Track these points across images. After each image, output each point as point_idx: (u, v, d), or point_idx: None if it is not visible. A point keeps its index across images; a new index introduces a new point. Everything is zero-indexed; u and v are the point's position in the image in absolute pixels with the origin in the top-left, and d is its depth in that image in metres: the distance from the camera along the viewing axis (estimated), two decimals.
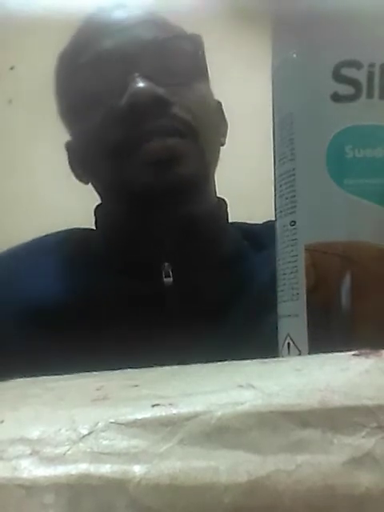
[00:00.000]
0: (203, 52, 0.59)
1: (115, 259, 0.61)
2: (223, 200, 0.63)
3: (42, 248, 0.64)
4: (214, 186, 0.62)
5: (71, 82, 0.59)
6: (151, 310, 0.57)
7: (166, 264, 0.58)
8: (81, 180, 0.63)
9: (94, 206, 0.63)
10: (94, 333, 0.55)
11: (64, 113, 0.62)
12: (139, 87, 0.54)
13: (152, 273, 0.58)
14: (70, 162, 0.63)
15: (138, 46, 0.56)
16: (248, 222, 0.68)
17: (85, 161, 0.62)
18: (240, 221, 0.67)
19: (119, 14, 0.59)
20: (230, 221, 0.65)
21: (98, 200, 0.63)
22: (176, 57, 0.57)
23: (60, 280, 0.60)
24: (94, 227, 0.64)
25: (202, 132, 0.57)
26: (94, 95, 0.56)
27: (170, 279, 0.58)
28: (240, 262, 0.61)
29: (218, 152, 0.61)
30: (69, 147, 0.63)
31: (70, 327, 0.56)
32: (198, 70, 0.59)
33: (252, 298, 0.59)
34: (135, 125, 0.55)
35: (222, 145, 0.62)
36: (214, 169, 0.60)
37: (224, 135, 0.63)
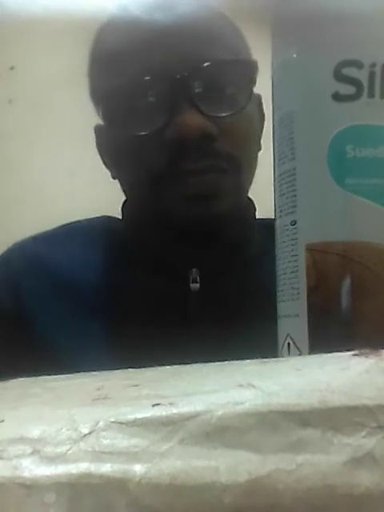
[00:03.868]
0: (256, 76, 0.54)
1: (141, 255, 0.59)
2: (252, 202, 0.61)
3: (74, 233, 0.63)
4: (248, 191, 0.59)
5: (108, 81, 0.54)
6: (173, 313, 0.56)
7: (194, 270, 0.56)
8: (107, 168, 0.59)
9: (121, 203, 0.61)
10: (111, 326, 0.55)
11: (96, 98, 0.56)
12: (186, 123, 0.50)
13: (179, 276, 0.57)
14: (97, 147, 0.59)
15: (189, 67, 0.51)
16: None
17: (113, 162, 0.58)
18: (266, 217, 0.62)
19: (169, 17, 0.51)
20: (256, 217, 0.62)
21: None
22: (230, 84, 0.53)
23: (87, 267, 0.59)
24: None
25: (244, 161, 0.55)
26: (133, 103, 0.52)
27: (197, 285, 0.56)
28: (266, 267, 0.58)
29: (256, 162, 0.57)
30: (98, 133, 0.59)
31: (89, 315, 0.56)
32: (250, 96, 0.55)
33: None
34: (176, 160, 0.52)
35: (259, 150, 0.57)
36: (252, 179, 0.57)
37: (261, 136, 0.57)
